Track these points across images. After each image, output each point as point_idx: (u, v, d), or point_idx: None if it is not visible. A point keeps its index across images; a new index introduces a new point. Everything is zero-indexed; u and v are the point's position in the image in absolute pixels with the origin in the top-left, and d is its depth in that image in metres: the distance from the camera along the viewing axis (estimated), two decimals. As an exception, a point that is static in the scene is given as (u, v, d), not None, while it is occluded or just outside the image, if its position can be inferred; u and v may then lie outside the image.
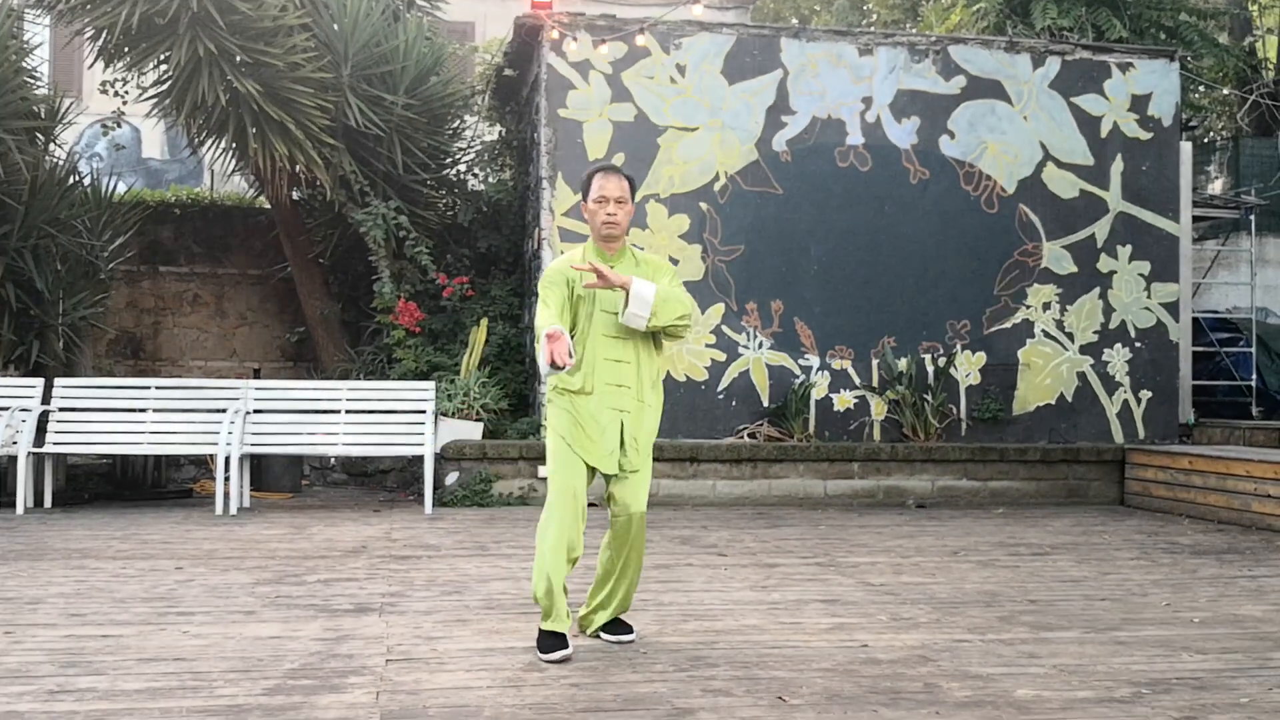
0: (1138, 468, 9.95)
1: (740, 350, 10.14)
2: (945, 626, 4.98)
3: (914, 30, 17.41)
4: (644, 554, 4.70)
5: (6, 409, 8.85)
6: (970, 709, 3.74)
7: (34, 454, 8.80)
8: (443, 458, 9.29)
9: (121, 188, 11.62)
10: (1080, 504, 10.03)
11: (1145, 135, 10.81)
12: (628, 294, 4.42)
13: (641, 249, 9.71)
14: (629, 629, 4.65)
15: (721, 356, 10.11)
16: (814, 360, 10.25)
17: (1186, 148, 11.48)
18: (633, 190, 4.64)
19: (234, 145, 10.60)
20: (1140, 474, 9.91)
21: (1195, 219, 12.36)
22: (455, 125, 11.88)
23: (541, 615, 4.41)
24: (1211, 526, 8.65)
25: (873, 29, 14.82)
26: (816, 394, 10.21)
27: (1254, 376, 12.15)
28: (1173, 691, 3.98)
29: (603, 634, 4.64)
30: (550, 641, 4.33)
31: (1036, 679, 4.13)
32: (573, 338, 4.51)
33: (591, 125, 9.99)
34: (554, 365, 4.20)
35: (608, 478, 4.55)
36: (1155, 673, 4.23)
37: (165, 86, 10.26)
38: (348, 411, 9.27)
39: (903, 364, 10.26)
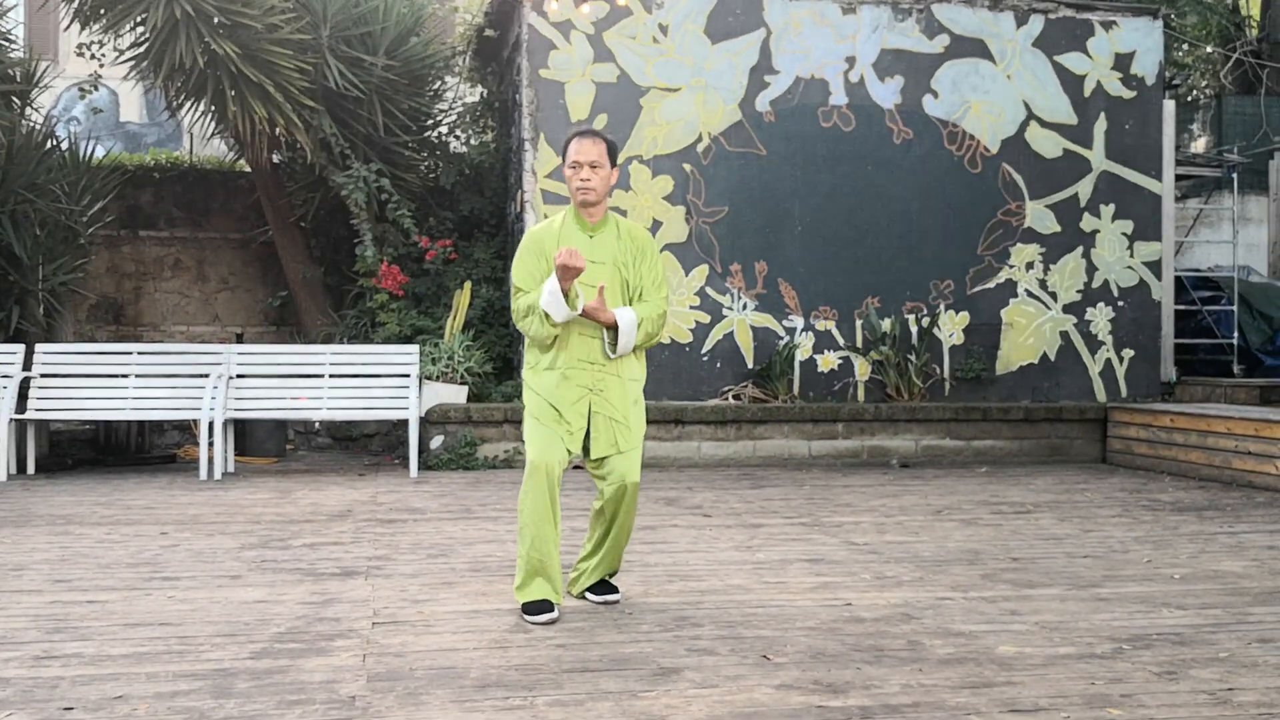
0: (1120, 426, 10.01)
1: (724, 312, 10.13)
2: (928, 585, 5.02)
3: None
4: (634, 518, 4.70)
5: (-13, 376, 8.82)
6: (953, 666, 3.77)
7: (16, 420, 8.77)
8: (427, 421, 9.28)
9: (100, 151, 11.49)
10: (1063, 462, 10.10)
11: (1128, 94, 10.80)
12: (615, 328, 4.38)
13: (624, 212, 9.69)
14: (615, 590, 4.66)
15: (706, 318, 10.10)
16: (798, 321, 10.26)
17: (1170, 106, 11.48)
18: (613, 153, 4.48)
19: (213, 108, 10.49)
20: (1122, 432, 9.97)
21: (1178, 178, 12.37)
22: (436, 87, 11.78)
23: (522, 582, 4.40)
24: (1192, 484, 8.72)
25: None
26: (801, 355, 10.22)
27: (1235, 334, 12.22)
28: (1153, 647, 4.03)
29: (589, 595, 4.65)
30: (537, 604, 4.34)
31: (1019, 635, 4.16)
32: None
33: (573, 86, 9.92)
34: (565, 276, 4.19)
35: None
36: (1136, 628, 4.28)
37: (142, 49, 10.14)
38: (331, 376, 9.25)
39: (886, 324, 10.28)
